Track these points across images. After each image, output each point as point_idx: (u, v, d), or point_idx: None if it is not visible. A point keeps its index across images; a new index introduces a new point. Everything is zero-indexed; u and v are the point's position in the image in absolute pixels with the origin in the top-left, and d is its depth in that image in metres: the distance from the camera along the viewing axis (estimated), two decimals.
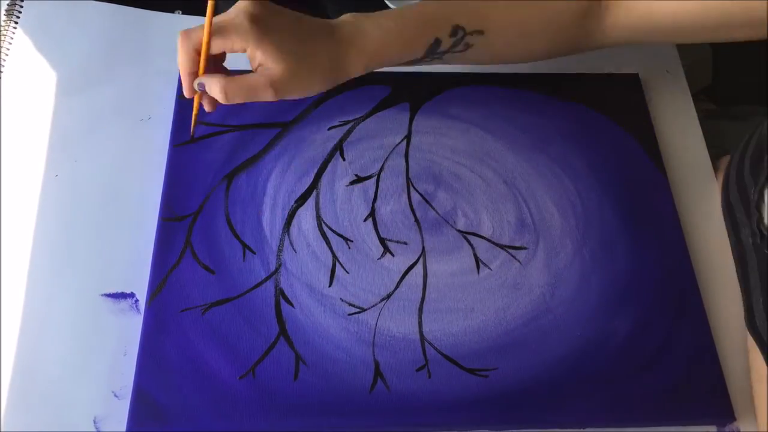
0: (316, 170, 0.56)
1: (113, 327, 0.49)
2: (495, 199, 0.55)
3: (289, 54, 0.46)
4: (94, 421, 0.46)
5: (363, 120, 0.59)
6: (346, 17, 0.50)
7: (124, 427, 0.45)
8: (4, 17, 0.62)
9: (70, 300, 0.50)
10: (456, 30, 0.49)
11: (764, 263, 0.45)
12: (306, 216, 0.54)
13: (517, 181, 0.56)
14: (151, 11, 0.65)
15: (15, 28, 0.62)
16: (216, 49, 0.47)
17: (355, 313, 0.50)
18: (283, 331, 0.49)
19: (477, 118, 0.59)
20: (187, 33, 0.47)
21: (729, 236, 0.53)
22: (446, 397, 0.47)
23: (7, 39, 0.61)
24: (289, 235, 0.53)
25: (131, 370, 0.47)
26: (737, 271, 0.51)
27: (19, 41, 0.62)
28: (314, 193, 0.55)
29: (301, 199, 0.54)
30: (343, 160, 0.57)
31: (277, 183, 0.55)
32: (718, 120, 0.68)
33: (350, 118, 0.59)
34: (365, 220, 0.54)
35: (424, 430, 0.47)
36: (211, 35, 0.46)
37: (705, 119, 0.61)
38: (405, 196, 0.55)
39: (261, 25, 0.45)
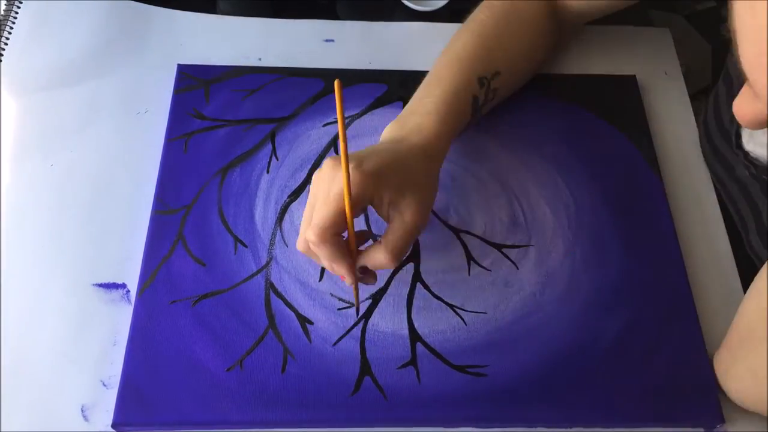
0: (309, 166, 0.56)
1: (104, 317, 0.49)
2: (488, 197, 0.55)
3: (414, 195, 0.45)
4: (82, 409, 0.46)
5: (358, 117, 0.59)
6: (391, 133, 0.50)
7: (111, 416, 0.45)
8: (4, 9, 0.63)
9: (62, 289, 0.50)
10: (482, 81, 0.54)
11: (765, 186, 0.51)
12: (299, 211, 0.54)
13: (511, 180, 0.56)
14: (149, 5, 0.65)
15: (14, 19, 0.63)
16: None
17: (344, 308, 0.50)
18: (272, 325, 0.49)
19: None
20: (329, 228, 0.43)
21: (717, 183, 0.57)
22: (433, 393, 0.47)
23: (6, 30, 0.62)
24: (281, 229, 0.53)
25: (120, 360, 0.47)
26: (737, 208, 0.54)
27: (19, 33, 0.62)
28: (307, 188, 0.55)
29: (294, 195, 0.55)
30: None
31: (271, 178, 0.55)
32: None
33: (345, 115, 0.59)
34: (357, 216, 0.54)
35: (411, 426, 0.47)
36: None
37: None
38: None
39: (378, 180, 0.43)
